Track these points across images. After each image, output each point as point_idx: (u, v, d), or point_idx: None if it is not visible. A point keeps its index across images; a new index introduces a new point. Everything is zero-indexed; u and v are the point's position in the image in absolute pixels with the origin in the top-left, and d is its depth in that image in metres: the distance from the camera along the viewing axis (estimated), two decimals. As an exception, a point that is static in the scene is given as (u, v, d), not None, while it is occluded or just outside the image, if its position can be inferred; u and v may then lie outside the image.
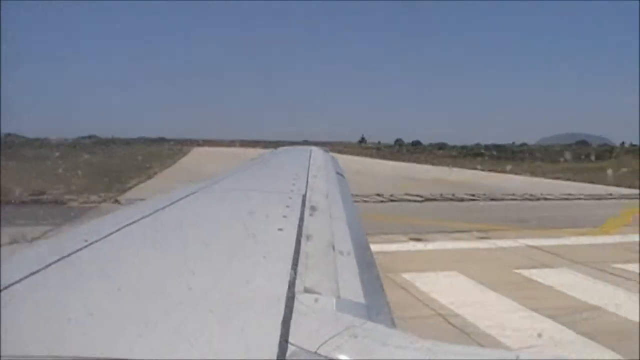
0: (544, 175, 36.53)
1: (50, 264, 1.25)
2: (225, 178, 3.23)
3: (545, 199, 23.16)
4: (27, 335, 0.91)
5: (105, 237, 1.55)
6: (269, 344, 0.87)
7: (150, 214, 1.88)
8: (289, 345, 0.87)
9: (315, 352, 0.85)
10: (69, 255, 1.34)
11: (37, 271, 1.20)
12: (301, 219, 1.85)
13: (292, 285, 1.14)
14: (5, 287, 1.10)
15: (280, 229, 1.67)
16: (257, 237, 1.66)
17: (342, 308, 1.05)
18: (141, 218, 1.80)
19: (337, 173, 3.99)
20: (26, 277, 1.17)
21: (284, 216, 1.87)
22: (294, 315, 0.98)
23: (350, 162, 24.07)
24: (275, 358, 0.82)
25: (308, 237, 1.60)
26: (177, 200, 2.18)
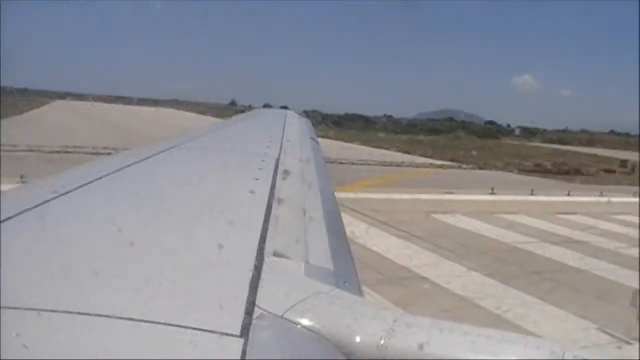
0: (377, 145, 42.37)
1: (19, 214, 1.21)
2: (199, 137, 3.17)
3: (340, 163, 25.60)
4: None
5: (77, 189, 1.50)
6: (236, 306, 0.86)
7: (120, 170, 1.83)
8: (256, 308, 0.86)
9: (282, 317, 0.85)
10: (36, 207, 1.30)
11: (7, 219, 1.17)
12: (273, 183, 1.83)
13: (261, 248, 1.14)
14: None
15: (252, 192, 1.65)
16: (229, 198, 1.64)
17: (311, 274, 1.05)
18: (109, 174, 1.75)
19: (312, 139, 3.96)
20: None
21: (256, 179, 1.85)
22: (262, 279, 0.98)
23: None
24: (242, 320, 0.82)
25: (279, 201, 1.59)
26: (149, 157, 2.12)
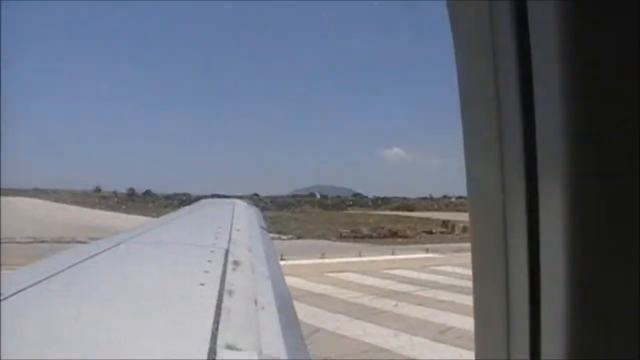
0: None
1: None
2: (147, 230, 3.16)
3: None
4: None
5: (21, 290, 1.45)
6: None
7: (68, 268, 1.79)
8: None
9: None
10: None
11: None
12: (223, 274, 1.82)
13: (213, 341, 1.12)
14: None
15: (201, 284, 1.64)
16: (179, 291, 1.63)
17: None
18: (59, 272, 1.72)
19: (261, 227, 3.98)
20: None
21: (206, 271, 1.84)
22: None
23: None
24: None
25: (230, 292, 1.58)
26: (98, 254, 2.10)
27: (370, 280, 16.01)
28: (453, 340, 9.37)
